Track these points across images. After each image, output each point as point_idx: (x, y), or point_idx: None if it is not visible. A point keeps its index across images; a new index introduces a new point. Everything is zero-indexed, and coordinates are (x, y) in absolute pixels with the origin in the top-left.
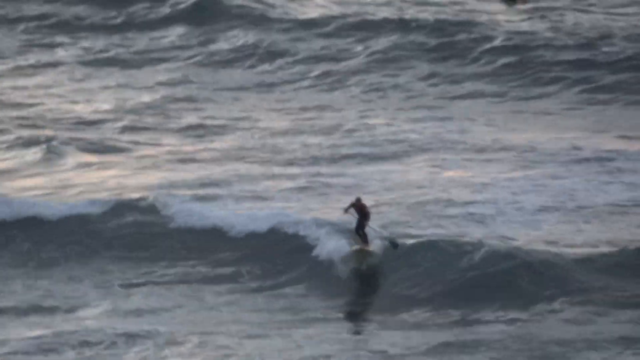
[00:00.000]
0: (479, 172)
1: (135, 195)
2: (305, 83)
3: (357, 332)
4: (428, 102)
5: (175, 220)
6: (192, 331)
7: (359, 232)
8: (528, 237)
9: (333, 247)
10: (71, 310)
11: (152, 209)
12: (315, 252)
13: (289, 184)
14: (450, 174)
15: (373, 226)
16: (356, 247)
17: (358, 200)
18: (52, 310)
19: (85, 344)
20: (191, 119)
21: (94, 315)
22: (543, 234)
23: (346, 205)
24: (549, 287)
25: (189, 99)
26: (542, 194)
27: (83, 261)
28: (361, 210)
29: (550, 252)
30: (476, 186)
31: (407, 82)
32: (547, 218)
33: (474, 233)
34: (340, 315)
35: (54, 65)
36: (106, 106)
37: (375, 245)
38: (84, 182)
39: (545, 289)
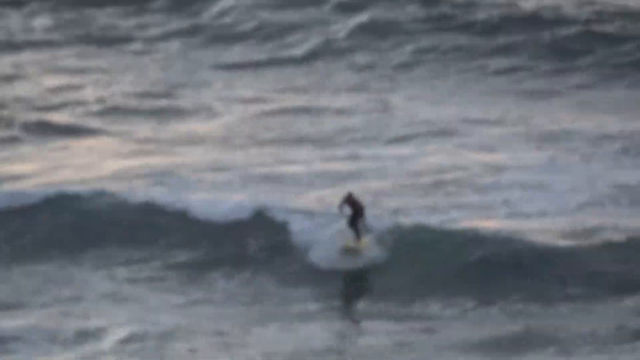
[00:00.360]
0: (502, 153)
1: (125, 181)
2: (308, 59)
3: (360, 323)
4: (444, 79)
5: (167, 208)
6: (194, 323)
7: (353, 225)
8: (553, 221)
9: (322, 240)
10: (69, 299)
11: (142, 194)
12: (303, 243)
13: (299, 168)
14: (471, 155)
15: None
16: (347, 244)
17: (350, 195)
18: (47, 299)
19: (84, 334)
20: (188, 99)
21: (91, 304)
22: (569, 218)
23: (340, 202)
24: (576, 277)
25: (183, 79)
26: (568, 176)
27: (76, 248)
28: (354, 206)
29: (577, 238)
30: (499, 168)
31: (420, 58)
32: (574, 201)
33: (495, 217)
34: (337, 307)
35: (28, 44)
36: (92, 86)
37: (369, 241)
38: (70, 165)
39: (571, 279)
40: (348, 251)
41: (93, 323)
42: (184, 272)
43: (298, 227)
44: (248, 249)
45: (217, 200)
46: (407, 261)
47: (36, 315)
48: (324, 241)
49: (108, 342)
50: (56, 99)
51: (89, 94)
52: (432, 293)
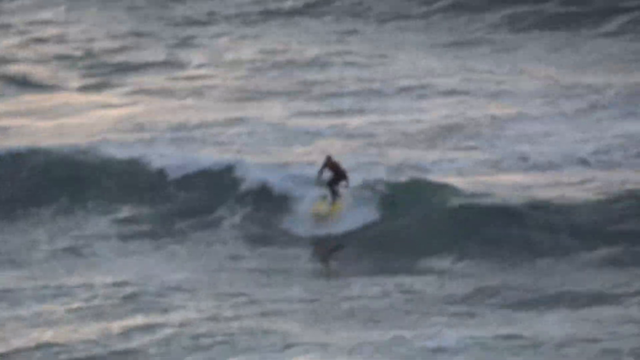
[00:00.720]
0: (509, 107)
1: (111, 135)
2: (311, 10)
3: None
4: (448, 33)
5: (145, 163)
6: (194, 279)
7: (332, 187)
8: (560, 173)
9: (297, 205)
10: (68, 252)
11: (127, 149)
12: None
13: (305, 121)
14: (479, 107)
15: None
16: (318, 210)
17: (329, 158)
18: (45, 253)
19: (86, 287)
20: (189, 52)
21: (91, 257)
22: (575, 169)
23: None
24: (580, 231)
25: (183, 30)
26: (576, 127)
27: (68, 202)
28: (334, 169)
29: (582, 190)
30: (507, 119)
31: (423, 12)
32: (582, 152)
33: (502, 168)
34: (336, 263)
35: None
36: (79, 39)
37: (345, 202)
38: (54, 119)
39: (575, 233)
40: (318, 217)
41: (94, 276)
42: (173, 227)
43: (279, 186)
44: (237, 206)
45: (196, 156)
46: (403, 215)
47: (34, 268)
48: (299, 206)
49: (109, 295)
50: (39, 52)
51: (75, 46)
52: (432, 246)
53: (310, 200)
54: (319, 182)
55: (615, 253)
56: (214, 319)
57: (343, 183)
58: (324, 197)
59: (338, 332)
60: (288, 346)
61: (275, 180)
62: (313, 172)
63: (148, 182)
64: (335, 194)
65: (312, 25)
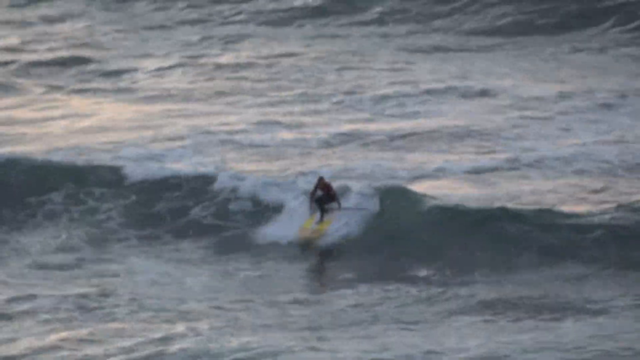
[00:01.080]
0: (527, 109)
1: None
2: (329, 13)
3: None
4: (466, 36)
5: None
6: (207, 285)
7: (322, 206)
8: (581, 178)
9: (281, 219)
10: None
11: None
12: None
13: (323, 125)
14: (498, 109)
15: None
16: (304, 233)
17: (320, 179)
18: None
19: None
20: (207, 53)
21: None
22: (594, 173)
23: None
24: (584, 246)
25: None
26: (595, 130)
27: (68, 206)
28: (326, 191)
29: (597, 195)
30: (524, 123)
31: (443, 14)
32: (602, 154)
33: (515, 171)
34: (337, 277)
35: None
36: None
37: (333, 220)
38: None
39: (579, 247)
40: (306, 237)
41: (106, 280)
42: (160, 244)
43: (271, 197)
44: (233, 215)
45: (182, 166)
46: (406, 220)
47: (45, 269)
48: (290, 217)
49: (121, 300)
50: (40, 52)
51: (82, 47)
52: (443, 252)
53: (300, 214)
54: (311, 202)
55: (632, 256)
56: (231, 320)
57: (334, 205)
58: (312, 216)
59: (355, 338)
60: (311, 349)
61: (269, 191)
62: (311, 183)
63: (130, 191)
64: (324, 213)
65: (330, 27)
